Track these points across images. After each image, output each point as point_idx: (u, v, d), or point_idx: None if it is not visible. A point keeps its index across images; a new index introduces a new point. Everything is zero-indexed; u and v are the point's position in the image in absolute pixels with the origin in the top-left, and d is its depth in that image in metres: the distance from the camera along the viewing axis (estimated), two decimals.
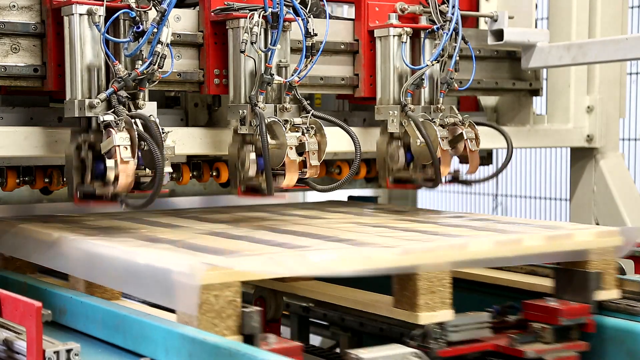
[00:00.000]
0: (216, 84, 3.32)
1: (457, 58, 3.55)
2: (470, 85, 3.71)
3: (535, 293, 3.17)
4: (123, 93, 2.90)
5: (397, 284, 2.80)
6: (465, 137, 3.48)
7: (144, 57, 2.90)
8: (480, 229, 3.15)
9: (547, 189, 7.23)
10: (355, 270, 2.59)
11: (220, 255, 2.54)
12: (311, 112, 3.23)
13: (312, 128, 3.17)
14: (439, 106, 3.58)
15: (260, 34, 3.14)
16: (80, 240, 2.88)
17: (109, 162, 2.83)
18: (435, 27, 3.56)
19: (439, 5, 3.58)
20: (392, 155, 3.58)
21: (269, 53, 3.14)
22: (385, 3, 3.64)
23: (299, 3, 3.20)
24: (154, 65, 2.90)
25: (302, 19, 3.18)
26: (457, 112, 3.57)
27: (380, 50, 3.61)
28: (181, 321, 2.40)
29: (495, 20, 3.91)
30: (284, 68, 3.24)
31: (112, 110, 2.87)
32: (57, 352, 2.24)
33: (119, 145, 2.79)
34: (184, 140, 3.39)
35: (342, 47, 3.65)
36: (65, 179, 3.05)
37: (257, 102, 3.16)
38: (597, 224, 4.35)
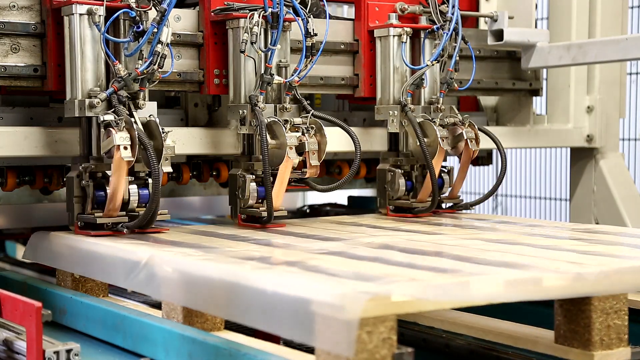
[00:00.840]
0: (216, 84, 3.32)
1: (457, 58, 3.56)
2: (470, 85, 3.72)
3: None
4: (123, 93, 2.90)
5: (562, 316, 2.40)
6: (465, 137, 3.49)
7: (144, 57, 2.90)
8: (608, 243, 2.78)
9: (547, 189, 7.22)
10: (524, 297, 2.18)
11: (364, 281, 2.10)
12: (311, 112, 3.23)
13: (312, 128, 3.17)
14: (439, 106, 3.59)
15: (260, 34, 3.15)
16: (177, 261, 2.47)
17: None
18: (435, 27, 3.56)
19: (439, 5, 3.58)
20: (393, 183, 3.59)
21: (269, 53, 3.14)
22: (385, 3, 3.64)
23: (299, 3, 3.20)
24: (154, 65, 2.90)
25: (302, 19, 3.18)
26: (457, 112, 3.57)
27: (380, 50, 3.61)
28: None
29: (495, 20, 3.91)
30: (284, 68, 3.24)
31: (112, 110, 2.87)
32: (57, 352, 2.24)
33: (119, 145, 2.79)
34: (184, 140, 3.39)
35: (342, 47, 3.65)
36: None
37: (257, 102, 3.16)
38: (597, 223, 4.35)
